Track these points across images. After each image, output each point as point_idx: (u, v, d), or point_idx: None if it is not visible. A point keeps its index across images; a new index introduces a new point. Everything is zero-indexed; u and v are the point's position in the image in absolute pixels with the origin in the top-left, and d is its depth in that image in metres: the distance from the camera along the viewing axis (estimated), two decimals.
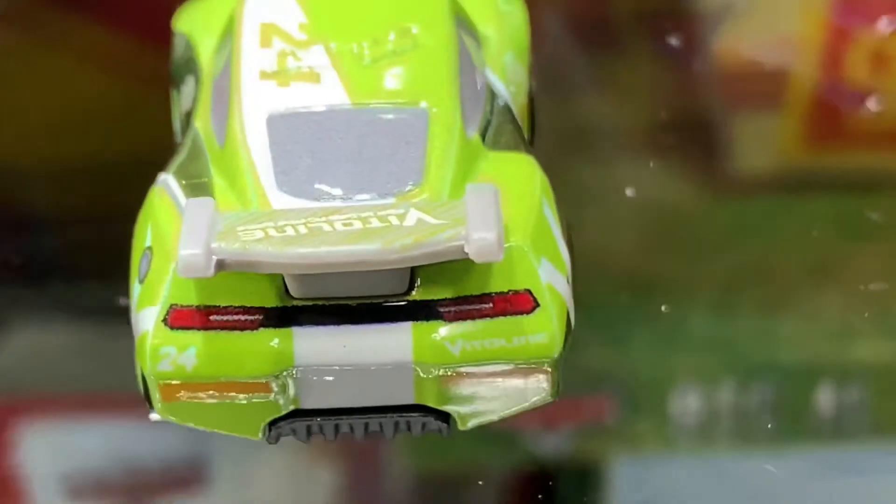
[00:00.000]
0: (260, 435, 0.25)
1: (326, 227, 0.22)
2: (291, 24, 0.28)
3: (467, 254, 0.22)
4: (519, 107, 0.30)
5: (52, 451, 0.39)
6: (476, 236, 0.22)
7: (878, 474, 0.36)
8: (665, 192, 0.44)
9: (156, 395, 0.24)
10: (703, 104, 0.48)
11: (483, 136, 0.27)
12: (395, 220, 0.22)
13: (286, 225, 0.22)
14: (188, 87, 0.30)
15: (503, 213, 0.23)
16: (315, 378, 0.24)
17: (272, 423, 0.24)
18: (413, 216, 0.22)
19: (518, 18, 0.32)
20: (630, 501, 0.37)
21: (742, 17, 0.51)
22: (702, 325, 0.41)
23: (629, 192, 0.42)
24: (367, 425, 0.24)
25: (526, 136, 0.30)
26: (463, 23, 0.29)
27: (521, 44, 0.31)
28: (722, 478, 0.37)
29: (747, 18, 0.51)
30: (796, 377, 0.39)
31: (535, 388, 0.25)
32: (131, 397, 0.28)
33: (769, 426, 0.38)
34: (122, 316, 0.28)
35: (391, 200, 0.24)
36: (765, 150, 0.47)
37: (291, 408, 0.24)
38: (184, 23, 0.32)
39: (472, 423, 0.25)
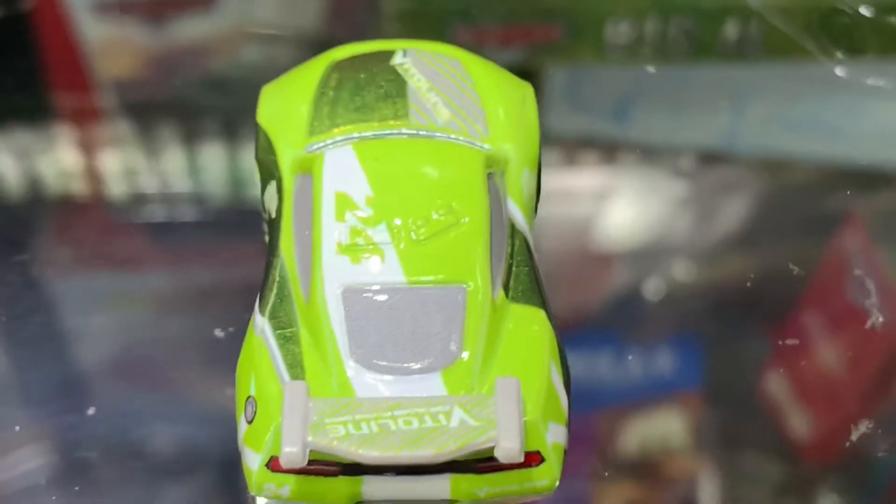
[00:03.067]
0: None
1: (392, 426, 0.28)
2: (360, 196, 0.32)
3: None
4: (528, 210, 0.35)
5: None
6: (503, 445, 0.27)
7: (766, 87, 0.47)
8: None
9: (258, 500, 0.32)
10: None
11: (506, 288, 0.32)
12: (443, 420, 0.28)
13: (361, 420, 0.28)
14: (271, 189, 0.34)
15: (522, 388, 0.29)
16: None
17: None
18: (456, 416, 0.28)
19: (532, 126, 0.36)
20: (564, 101, 0.47)
21: None
22: None
23: None
24: None
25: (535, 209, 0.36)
26: (493, 173, 0.34)
27: (534, 153, 0.35)
28: (645, 83, 0.47)
29: None
30: (710, 14, 0.48)
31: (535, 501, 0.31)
32: None
33: (685, 48, 0.48)
34: None
35: (437, 377, 0.29)
36: None
37: (360, 501, 0.30)
38: (265, 118, 0.36)
39: None
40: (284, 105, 0.35)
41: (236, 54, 0.48)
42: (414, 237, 0.31)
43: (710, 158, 0.46)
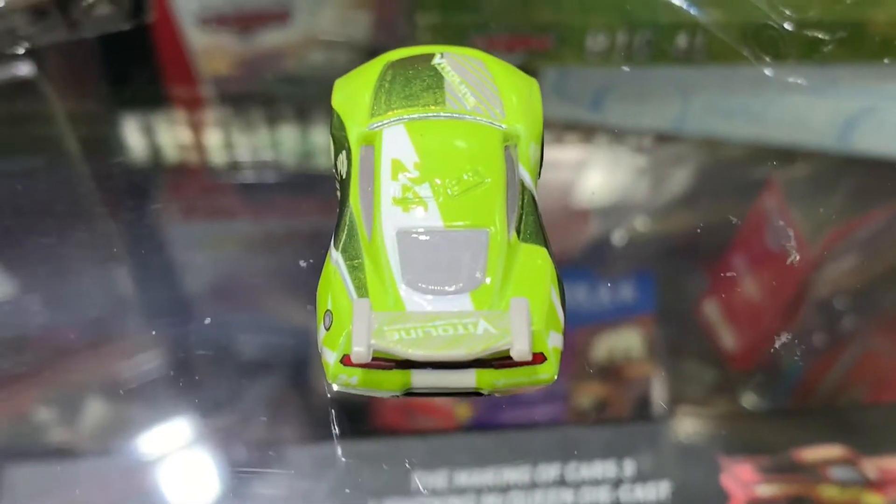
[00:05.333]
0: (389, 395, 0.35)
1: (434, 333, 0.32)
2: (409, 162, 0.36)
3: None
4: (534, 173, 0.38)
5: None
6: (517, 347, 0.31)
7: (708, 84, 0.53)
8: None
9: (332, 386, 0.35)
10: None
11: (518, 231, 0.35)
12: (471, 329, 0.32)
13: (411, 328, 0.32)
14: (342, 156, 0.38)
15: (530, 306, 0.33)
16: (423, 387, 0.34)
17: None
18: (482, 326, 0.32)
19: (537, 110, 0.40)
20: (553, 94, 0.53)
21: None
22: None
23: None
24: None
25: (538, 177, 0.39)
26: (508, 146, 0.38)
27: (538, 129, 0.39)
28: (616, 80, 0.53)
29: None
30: (666, 27, 0.54)
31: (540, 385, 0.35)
32: None
33: (646, 52, 0.54)
34: None
35: (467, 296, 0.33)
36: None
37: (409, 388, 0.34)
38: (338, 103, 0.40)
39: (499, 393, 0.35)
40: (352, 94, 0.40)
41: (306, 57, 0.53)
42: (450, 193, 0.36)
43: (663, 138, 0.51)
